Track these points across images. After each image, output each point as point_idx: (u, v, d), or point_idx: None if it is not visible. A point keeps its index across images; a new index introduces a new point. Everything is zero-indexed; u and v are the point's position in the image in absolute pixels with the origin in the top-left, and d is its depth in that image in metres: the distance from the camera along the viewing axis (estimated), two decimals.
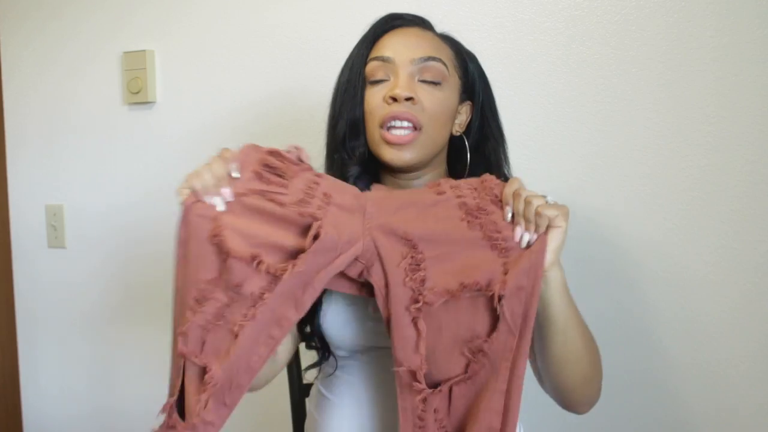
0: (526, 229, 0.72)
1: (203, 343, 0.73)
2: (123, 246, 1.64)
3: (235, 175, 0.76)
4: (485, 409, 0.70)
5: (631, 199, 1.20)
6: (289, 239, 0.74)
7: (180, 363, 0.74)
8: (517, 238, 0.72)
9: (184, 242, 0.75)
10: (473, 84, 0.92)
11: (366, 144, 0.88)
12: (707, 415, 1.18)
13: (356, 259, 0.75)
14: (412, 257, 0.74)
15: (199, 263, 0.74)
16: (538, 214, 0.71)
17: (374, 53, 0.87)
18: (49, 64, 1.68)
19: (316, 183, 0.79)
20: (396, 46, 0.86)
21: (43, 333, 1.76)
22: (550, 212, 0.71)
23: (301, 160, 0.81)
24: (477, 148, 0.93)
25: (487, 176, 0.79)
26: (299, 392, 1.19)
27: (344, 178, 0.87)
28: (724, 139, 1.14)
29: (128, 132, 1.61)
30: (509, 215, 0.74)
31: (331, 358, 0.90)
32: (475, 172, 0.92)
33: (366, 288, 0.78)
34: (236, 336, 0.72)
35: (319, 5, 1.40)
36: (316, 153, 0.91)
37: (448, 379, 0.72)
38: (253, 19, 1.46)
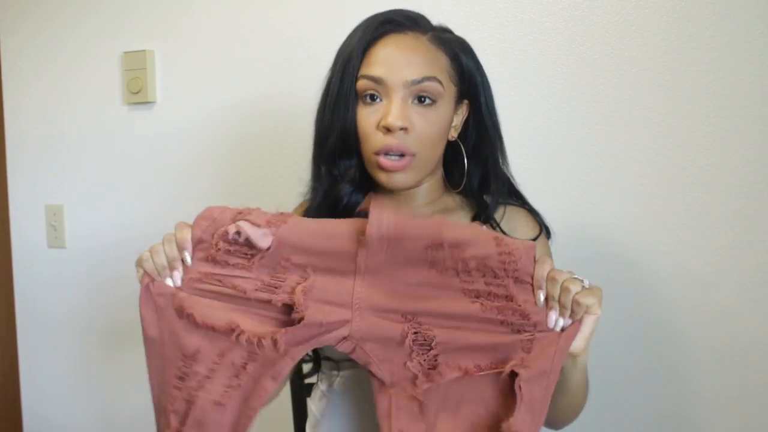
0: (561, 315, 0.70)
1: (186, 417, 0.73)
2: (123, 246, 1.63)
3: (187, 261, 0.75)
4: None
5: (631, 199, 1.20)
6: (259, 312, 0.73)
7: None
8: (551, 324, 0.70)
9: (151, 323, 0.75)
10: (469, 83, 0.89)
11: (359, 163, 0.86)
12: (710, 412, 1.18)
13: (345, 338, 0.72)
14: (415, 332, 0.70)
15: (173, 341, 0.74)
16: (576, 302, 0.69)
17: (365, 69, 0.82)
18: (49, 64, 1.68)
19: (286, 268, 0.73)
20: (389, 65, 0.81)
21: (43, 333, 1.76)
22: (588, 300, 0.68)
23: (253, 240, 0.73)
24: (474, 148, 0.91)
25: (501, 241, 0.71)
26: (300, 392, 1.19)
27: (335, 195, 0.86)
28: (724, 139, 1.14)
29: (128, 132, 1.61)
30: (542, 299, 0.70)
31: (331, 361, 0.90)
32: (471, 173, 0.91)
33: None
34: (223, 406, 0.72)
35: (320, 5, 1.40)
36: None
37: None
38: (254, 19, 1.46)
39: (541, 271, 0.71)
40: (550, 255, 0.86)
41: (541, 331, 0.69)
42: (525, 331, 0.69)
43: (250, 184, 1.49)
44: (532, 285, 0.70)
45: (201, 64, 1.52)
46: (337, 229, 0.74)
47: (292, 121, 1.43)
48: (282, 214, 0.77)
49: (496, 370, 0.68)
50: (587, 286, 0.70)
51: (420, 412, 0.70)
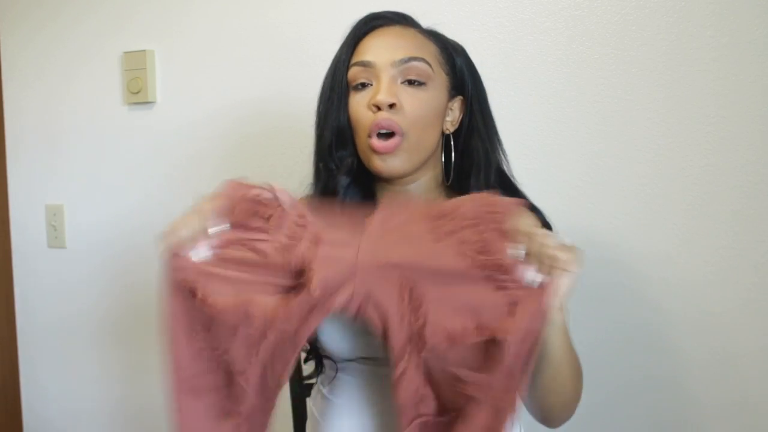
0: (538, 270, 0.69)
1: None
2: (123, 246, 1.64)
3: (211, 231, 0.75)
4: None
5: (631, 199, 1.20)
6: (276, 281, 0.74)
7: None
8: (527, 279, 0.69)
9: (174, 299, 0.75)
10: (462, 79, 0.90)
11: (355, 153, 0.87)
12: (711, 413, 1.18)
13: (351, 297, 0.73)
14: (410, 297, 0.71)
15: (196, 315, 0.74)
16: (552, 257, 0.68)
17: (355, 58, 0.85)
18: (49, 64, 1.68)
19: (302, 225, 0.75)
20: (376, 49, 0.84)
21: (43, 333, 1.76)
22: (565, 256, 0.68)
23: (280, 198, 0.77)
24: (466, 143, 0.92)
25: (489, 198, 0.74)
26: (300, 392, 1.19)
27: (332, 188, 0.87)
28: (724, 139, 1.14)
29: (128, 132, 1.61)
30: (521, 254, 0.70)
31: (331, 361, 0.90)
32: (462, 170, 0.91)
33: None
34: (247, 380, 0.73)
35: (320, 6, 1.40)
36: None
37: (446, 412, 0.71)
38: (254, 20, 1.46)
39: (521, 226, 0.71)
40: None
41: (520, 288, 0.69)
42: (506, 288, 0.69)
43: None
44: (510, 239, 0.70)
45: (201, 64, 1.52)
46: (343, 218, 0.79)
47: (292, 121, 1.43)
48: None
49: (482, 338, 0.68)
50: (566, 243, 0.70)
51: (425, 372, 0.71)
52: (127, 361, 1.67)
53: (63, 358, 1.74)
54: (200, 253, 0.74)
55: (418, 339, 0.70)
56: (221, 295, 0.73)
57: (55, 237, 1.71)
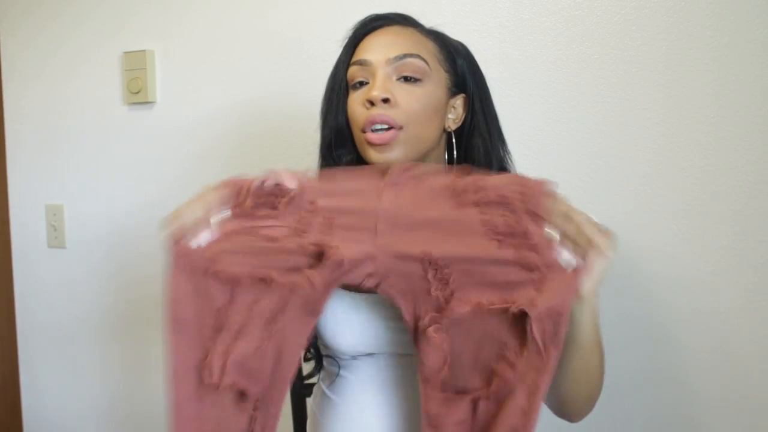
0: (573, 252, 0.68)
1: (224, 366, 0.73)
2: (123, 246, 1.64)
3: (214, 220, 0.75)
4: (504, 426, 0.68)
5: (631, 200, 1.20)
6: (287, 264, 0.74)
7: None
8: (562, 262, 0.69)
9: (180, 285, 0.74)
10: (464, 76, 0.90)
11: (354, 151, 0.88)
12: (711, 413, 1.18)
13: (370, 274, 0.73)
14: (435, 270, 0.71)
15: (203, 298, 0.73)
16: (589, 240, 0.68)
17: (354, 57, 0.87)
18: (49, 64, 1.68)
19: (312, 211, 0.75)
20: (373, 48, 0.85)
21: (43, 333, 1.76)
22: (602, 240, 0.68)
23: (286, 185, 0.76)
24: (468, 141, 0.92)
25: (518, 178, 0.74)
26: (300, 392, 1.19)
27: None
28: (724, 139, 1.14)
29: (128, 132, 1.61)
30: (556, 236, 0.69)
31: (333, 360, 0.90)
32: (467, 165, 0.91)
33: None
34: (264, 352, 0.73)
35: (320, 6, 1.40)
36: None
37: (472, 390, 0.71)
38: (254, 20, 1.46)
39: (557, 207, 0.70)
40: None
41: (552, 269, 0.68)
42: (537, 270, 0.68)
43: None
44: (545, 220, 0.70)
45: (201, 64, 1.52)
46: (361, 172, 0.79)
47: (293, 121, 1.43)
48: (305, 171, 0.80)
49: (506, 305, 0.68)
50: (600, 227, 0.69)
51: (449, 347, 0.71)
52: (127, 361, 1.67)
53: (63, 358, 1.74)
54: (204, 241, 0.74)
55: (444, 311, 0.70)
56: (234, 272, 0.73)
57: (55, 237, 1.71)
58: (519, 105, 1.25)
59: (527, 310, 0.67)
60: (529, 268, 0.69)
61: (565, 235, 0.69)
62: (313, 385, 0.99)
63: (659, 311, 1.20)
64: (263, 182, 0.75)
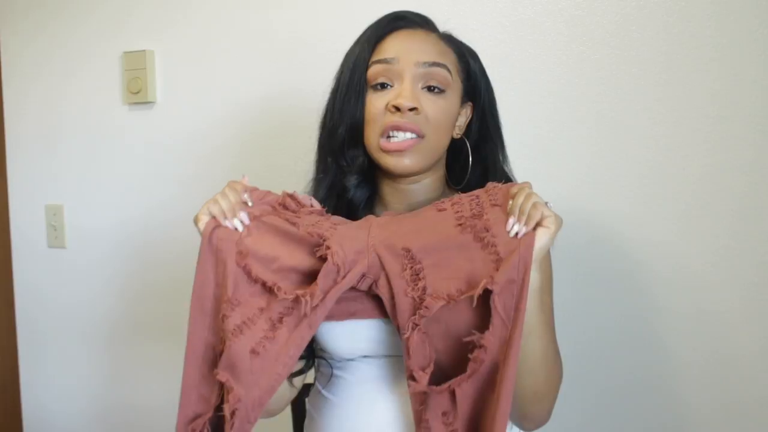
0: (518, 220, 0.73)
1: (218, 357, 0.77)
2: (123, 246, 1.64)
3: (249, 203, 0.80)
4: (485, 406, 0.71)
5: (631, 200, 1.20)
6: (303, 261, 0.78)
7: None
8: (508, 228, 0.73)
9: (210, 266, 0.78)
10: (475, 85, 0.91)
11: (365, 152, 0.88)
12: (711, 412, 1.18)
13: (364, 275, 0.77)
14: (411, 267, 0.76)
15: (227, 284, 0.77)
16: (533, 206, 0.72)
17: (377, 56, 0.85)
18: (49, 64, 1.68)
19: (324, 216, 0.83)
20: (400, 48, 0.84)
21: (43, 333, 1.76)
22: (545, 210, 0.72)
23: (302, 203, 0.84)
24: (476, 148, 0.93)
25: (491, 184, 0.80)
26: (299, 392, 1.19)
27: (342, 185, 0.89)
28: (724, 139, 1.14)
29: (128, 132, 1.61)
30: (513, 215, 0.74)
31: (326, 361, 0.90)
32: (473, 172, 0.92)
33: (380, 308, 0.80)
34: (258, 354, 0.76)
35: (320, 5, 1.40)
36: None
37: (450, 381, 0.73)
38: (254, 19, 1.46)
39: (517, 187, 0.76)
40: (549, 255, 0.86)
41: (505, 243, 0.73)
42: (494, 244, 0.73)
43: (251, 183, 1.49)
44: (506, 205, 0.75)
45: (201, 64, 1.52)
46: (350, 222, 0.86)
47: (293, 120, 1.43)
48: None
49: (472, 292, 0.71)
50: (547, 204, 0.74)
51: (429, 345, 0.74)
52: (127, 361, 1.67)
53: (63, 358, 1.74)
54: (243, 220, 0.79)
55: (420, 308, 0.74)
56: (261, 272, 0.77)
57: (55, 237, 1.71)
58: (519, 105, 1.25)
59: (489, 287, 0.71)
60: (485, 245, 0.73)
61: (515, 205, 0.73)
62: (310, 385, 0.99)
63: (658, 311, 1.20)
64: (283, 200, 0.83)
